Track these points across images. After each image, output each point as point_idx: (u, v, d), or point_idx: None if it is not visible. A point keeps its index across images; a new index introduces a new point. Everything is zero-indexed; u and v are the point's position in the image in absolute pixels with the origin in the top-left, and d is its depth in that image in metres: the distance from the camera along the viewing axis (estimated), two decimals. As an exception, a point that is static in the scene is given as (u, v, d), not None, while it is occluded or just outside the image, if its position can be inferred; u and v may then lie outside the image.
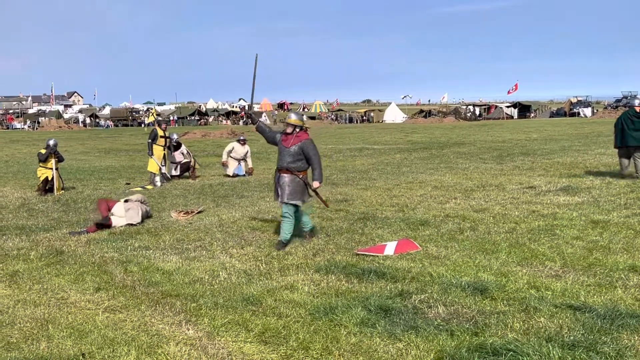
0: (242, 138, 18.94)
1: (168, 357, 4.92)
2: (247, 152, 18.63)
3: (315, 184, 8.78)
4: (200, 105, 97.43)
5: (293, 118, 8.93)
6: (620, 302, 5.82)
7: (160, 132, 17.29)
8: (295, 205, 8.71)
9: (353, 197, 13.00)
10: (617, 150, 14.58)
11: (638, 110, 14.00)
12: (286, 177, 8.67)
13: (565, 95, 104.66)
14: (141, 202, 11.19)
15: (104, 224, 10.31)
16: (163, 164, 17.20)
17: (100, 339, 5.32)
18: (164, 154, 17.30)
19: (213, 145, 33.85)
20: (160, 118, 19.41)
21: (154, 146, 17.04)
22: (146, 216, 11.15)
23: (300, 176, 8.71)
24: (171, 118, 73.25)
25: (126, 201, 10.89)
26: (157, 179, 16.70)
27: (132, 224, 10.45)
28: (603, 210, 10.23)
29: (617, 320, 5.29)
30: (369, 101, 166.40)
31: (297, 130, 8.79)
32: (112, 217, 10.55)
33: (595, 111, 69.06)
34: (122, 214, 10.57)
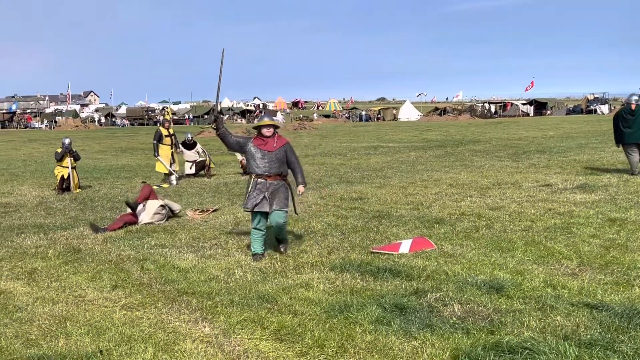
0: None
1: (184, 355, 4.95)
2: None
3: (301, 189, 8.46)
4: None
5: (267, 120, 8.39)
6: (638, 300, 5.77)
7: (164, 132, 17.38)
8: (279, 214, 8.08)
9: (368, 195, 13.00)
10: (621, 148, 14.60)
11: (633, 108, 13.90)
12: (276, 183, 8.15)
13: (582, 92, 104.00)
14: (169, 208, 11.21)
15: (128, 222, 10.38)
16: (173, 161, 17.21)
17: (117, 336, 5.37)
18: (172, 152, 17.26)
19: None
20: (162, 117, 19.35)
21: (160, 146, 17.13)
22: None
23: (286, 181, 8.31)
24: (186, 117, 73.60)
25: (162, 206, 10.91)
26: (173, 177, 16.78)
27: (149, 223, 10.53)
28: (620, 208, 10.15)
29: (634, 318, 5.25)
30: (383, 99, 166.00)
31: (276, 132, 8.31)
32: (142, 213, 10.62)
33: (612, 108, 68.37)
34: (151, 214, 10.63)
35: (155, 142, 17.27)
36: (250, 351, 5.01)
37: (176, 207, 11.38)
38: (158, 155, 17.06)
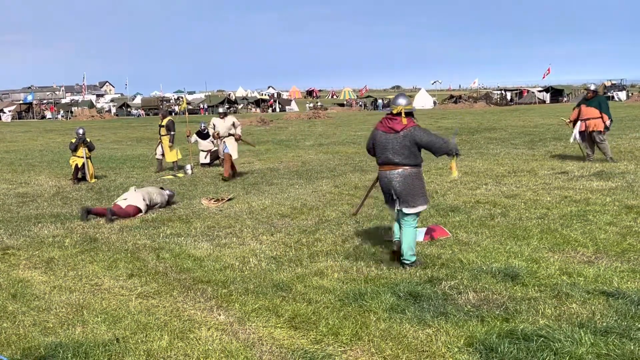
0: (221, 111, 16.49)
1: (200, 342, 4.99)
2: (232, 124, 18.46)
3: None
4: (229, 94, 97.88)
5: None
6: (655, 288, 5.73)
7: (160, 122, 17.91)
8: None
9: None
10: None
11: None
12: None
13: (599, 78, 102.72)
14: (154, 193, 11.27)
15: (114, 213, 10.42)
16: (162, 152, 17.58)
17: (133, 324, 5.42)
18: (160, 143, 17.69)
19: (242, 133, 33.97)
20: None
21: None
22: (162, 205, 11.32)
23: None
24: (201, 107, 73.76)
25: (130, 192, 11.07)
26: (188, 166, 16.87)
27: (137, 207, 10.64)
28: (637, 195, 10.05)
29: (651, 306, 5.21)
30: (398, 87, 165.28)
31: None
32: (117, 202, 10.73)
33: (630, 95, 67.64)
34: (126, 197, 10.74)
35: (172, 133, 17.72)
36: (265, 339, 5.03)
37: (159, 198, 11.35)
38: (172, 144, 17.59)
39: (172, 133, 17.67)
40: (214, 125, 15.38)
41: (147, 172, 17.39)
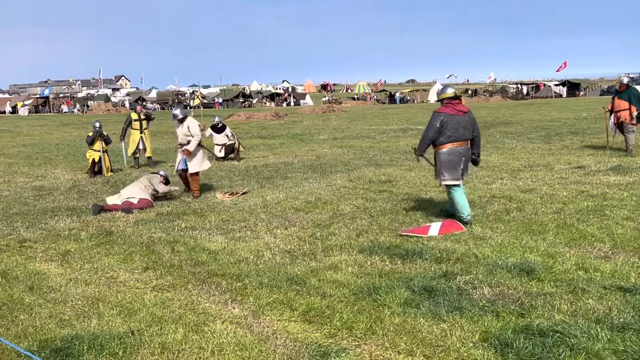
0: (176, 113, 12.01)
1: (214, 335, 5.01)
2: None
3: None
4: (244, 88, 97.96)
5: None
6: (673, 284, 5.66)
7: (134, 116, 17.80)
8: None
9: (397, 177, 12.93)
10: None
11: None
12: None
13: (617, 72, 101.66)
14: (151, 179, 11.45)
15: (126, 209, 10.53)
16: (142, 147, 17.56)
17: (148, 317, 5.45)
18: (142, 137, 17.60)
19: (257, 127, 34.04)
20: (146, 107, 18.97)
21: (130, 130, 17.66)
22: (164, 184, 11.54)
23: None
24: (216, 101, 73.89)
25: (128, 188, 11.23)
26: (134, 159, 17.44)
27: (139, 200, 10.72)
28: (655, 190, 9.94)
29: (669, 302, 5.15)
30: (413, 81, 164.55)
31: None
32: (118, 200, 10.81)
33: (648, 88, 66.86)
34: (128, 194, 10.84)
35: (124, 126, 17.88)
36: (279, 332, 5.04)
37: (156, 180, 11.51)
38: (123, 139, 17.84)
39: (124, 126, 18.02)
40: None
41: (162, 166, 17.46)
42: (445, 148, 8.38)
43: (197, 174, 11.64)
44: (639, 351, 4.32)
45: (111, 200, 10.83)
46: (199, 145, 11.59)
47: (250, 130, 31.83)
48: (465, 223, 8.18)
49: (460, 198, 8.39)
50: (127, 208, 10.36)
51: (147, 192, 10.95)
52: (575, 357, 4.30)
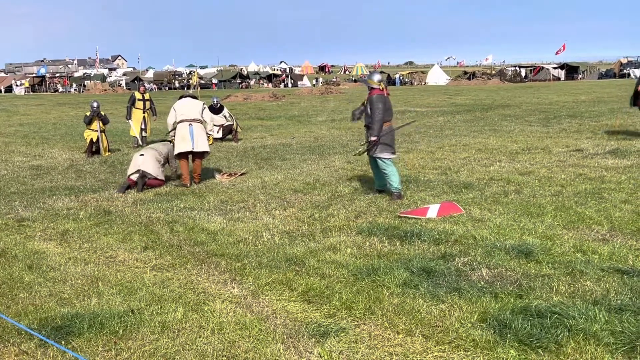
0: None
1: (214, 315, 5.03)
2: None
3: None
4: (241, 68, 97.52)
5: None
6: (670, 266, 5.69)
7: (138, 95, 17.96)
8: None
9: (395, 160, 12.91)
10: None
11: None
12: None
13: (615, 55, 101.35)
14: (159, 147, 11.44)
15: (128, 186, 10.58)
16: (143, 127, 17.71)
17: (148, 296, 5.46)
18: (144, 117, 17.77)
19: (255, 108, 33.94)
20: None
21: (133, 110, 17.73)
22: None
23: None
24: (213, 81, 73.62)
25: (142, 155, 11.04)
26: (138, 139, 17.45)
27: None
28: (653, 174, 9.96)
29: (666, 284, 5.18)
30: (411, 63, 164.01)
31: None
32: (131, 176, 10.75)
33: (646, 72, 66.74)
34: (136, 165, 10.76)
35: (128, 105, 17.93)
36: (279, 312, 5.06)
37: (165, 149, 11.51)
38: (130, 118, 17.77)
39: (128, 105, 18.09)
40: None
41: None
42: (387, 126, 9.25)
43: (203, 156, 11.20)
44: (636, 332, 4.35)
45: (130, 170, 10.82)
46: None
47: (247, 111, 31.73)
48: (397, 195, 9.00)
49: (396, 170, 9.32)
50: (142, 176, 10.47)
51: (160, 168, 10.89)
52: (573, 338, 4.32)
